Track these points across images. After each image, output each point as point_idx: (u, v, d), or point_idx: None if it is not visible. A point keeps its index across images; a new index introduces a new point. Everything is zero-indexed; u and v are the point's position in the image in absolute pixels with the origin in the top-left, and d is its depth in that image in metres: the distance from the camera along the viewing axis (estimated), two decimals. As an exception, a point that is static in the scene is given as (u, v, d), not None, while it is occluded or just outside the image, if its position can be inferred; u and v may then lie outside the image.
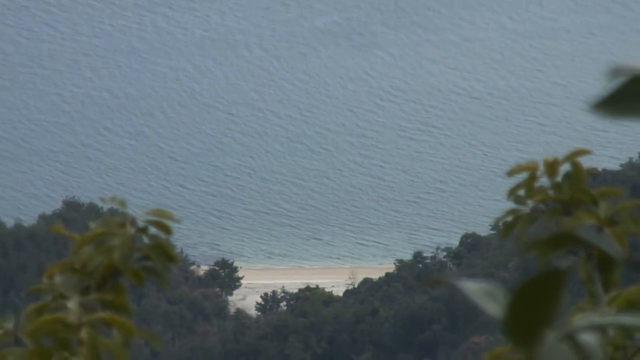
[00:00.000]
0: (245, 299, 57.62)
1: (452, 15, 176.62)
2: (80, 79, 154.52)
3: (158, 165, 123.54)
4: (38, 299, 3.50)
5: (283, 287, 54.07)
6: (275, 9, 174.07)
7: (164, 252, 3.68)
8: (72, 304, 3.57)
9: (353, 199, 77.63)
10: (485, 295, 1.11)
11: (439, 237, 62.02)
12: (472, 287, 1.12)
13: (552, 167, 3.86)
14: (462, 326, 43.49)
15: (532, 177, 3.88)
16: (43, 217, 72.21)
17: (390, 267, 54.45)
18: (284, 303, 55.15)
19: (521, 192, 3.88)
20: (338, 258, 59.59)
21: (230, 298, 57.98)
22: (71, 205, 77.00)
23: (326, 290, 52.36)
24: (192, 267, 57.10)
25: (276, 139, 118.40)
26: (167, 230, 3.67)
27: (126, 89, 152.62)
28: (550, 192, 3.91)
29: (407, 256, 54.66)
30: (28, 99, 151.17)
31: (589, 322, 1.14)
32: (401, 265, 51.88)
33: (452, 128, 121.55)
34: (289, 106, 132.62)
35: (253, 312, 55.85)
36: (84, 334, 3.54)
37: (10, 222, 64.50)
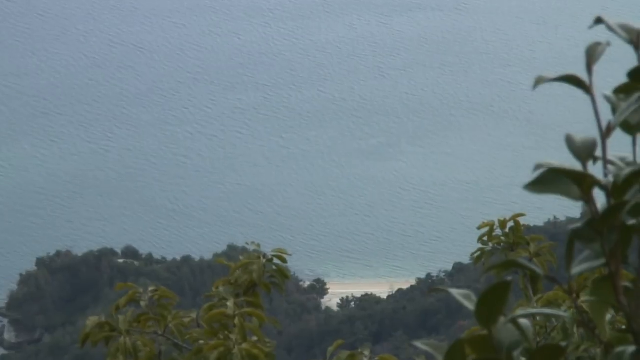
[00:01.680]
0: (331, 300, 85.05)
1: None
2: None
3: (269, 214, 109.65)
4: (208, 301, 6.54)
5: (352, 294, 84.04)
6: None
7: (282, 273, 6.49)
8: (230, 303, 6.19)
9: (389, 237, 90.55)
10: (465, 297, 2.08)
11: (441, 262, 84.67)
12: (458, 293, 1.96)
13: (503, 223, 6.98)
14: (454, 316, 66.42)
15: (491, 230, 6.91)
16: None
17: (413, 282, 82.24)
18: (353, 303, 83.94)
19: (485, 238, 6.94)
20: (381, 277, 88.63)
21: (322, 300, 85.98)
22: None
23: (377, 295, 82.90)
24: (300, 282, 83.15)
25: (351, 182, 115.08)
26: (283, 260, 6.44)
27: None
28: (502, 238, 6.96)
29: (423, 275, 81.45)
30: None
31: (524, 312, 1.98)
32: (419, 281, 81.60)
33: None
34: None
35: (335, 308, 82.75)
36: (236, 320, 6.15)
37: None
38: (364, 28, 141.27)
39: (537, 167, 1.91)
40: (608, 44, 2.05)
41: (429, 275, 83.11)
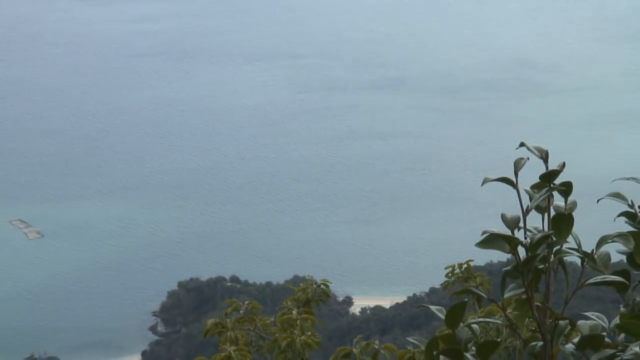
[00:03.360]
0: (355, 309, 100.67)
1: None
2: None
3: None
4: (281, 310, 11.12)
5: (368, 305, 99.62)
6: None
7: (326, 294, 11.52)
8: (294, 311, 10.89)
9: (390, 273, 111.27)
10: (439, 310, 3.30)
11: (422, 287, 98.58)
12: (434, 308, 3.36)
13: (460, 265, 12.31)
14: (430, 320, 69.84)
15: (453, 269, 12.35)
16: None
17: (405, 298, 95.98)
18: (368, 310, 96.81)
19: (450, 274, 12.26)
20: (386, 295, 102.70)
21: (349, 309, 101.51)
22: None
23: (383, 306, 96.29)
24: (337, 297, 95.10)
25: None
26: (326, 285, 11.61)
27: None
28: (460, 274, 12.20)
29: (411, 294, 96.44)
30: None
31: (474, 320, 3.44)
32: (409, 298, 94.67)
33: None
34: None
35: (358, 314, 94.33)
36: (298, 322, 10.62)
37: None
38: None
39: (483, 232, 3.31)
40: (527, 158, 3.47)
41: (414, 295, 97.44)
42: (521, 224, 3.50)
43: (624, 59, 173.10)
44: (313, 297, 11.29)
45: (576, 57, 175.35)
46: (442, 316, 3.53)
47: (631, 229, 3.56)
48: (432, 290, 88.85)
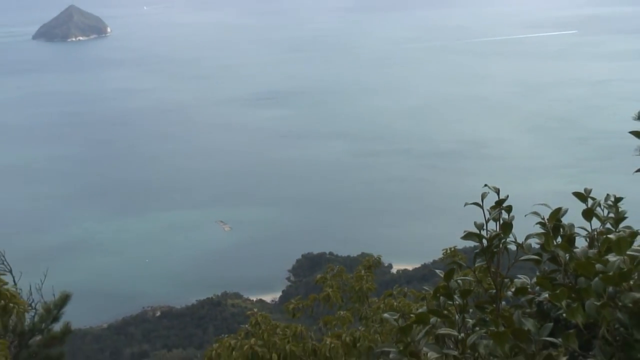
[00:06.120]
0: (394, 270, 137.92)
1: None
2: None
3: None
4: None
5: (400, 269, 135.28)
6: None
7: (378, 262, 21.06)
8: (363, 272, 20.39)
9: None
10: (440, 272, 11.99)
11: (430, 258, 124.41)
12: (438, 271, 8.32)
13: (450, 249, 21.12)
14: (435, 277, 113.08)
15: (447, 251, 21.15)
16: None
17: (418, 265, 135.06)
18: (400, 272, 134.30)
19: (445, 253, 21.53)
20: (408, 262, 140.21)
21: (391, 270, 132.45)
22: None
23: (409, 269, 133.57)
24: (384, 264, 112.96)
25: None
26: (379, 258, 21.21)
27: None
28: (449, 254, 21.05)
29: (428, 261, 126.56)
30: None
31: (458, 278, 6.29)
32: (425, 265, 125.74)
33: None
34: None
35: (395, 273, 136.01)
36: (364, 277, 19.45)
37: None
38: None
39: (464, 231, 6.12)
40: (488, 192, 6.47)
41: (425, 263, 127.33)
42: (484, 227, 6.51)
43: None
44: (372, 264, 19.24)
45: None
46: (442, 275, 6.56)
47: (542, 230, 6.52)
48: (435, 261, 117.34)
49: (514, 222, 6.52)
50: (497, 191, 6.65)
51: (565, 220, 6.54)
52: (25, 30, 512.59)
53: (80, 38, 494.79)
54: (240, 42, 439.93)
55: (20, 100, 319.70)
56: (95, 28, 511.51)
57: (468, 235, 6.54)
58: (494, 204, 6.54)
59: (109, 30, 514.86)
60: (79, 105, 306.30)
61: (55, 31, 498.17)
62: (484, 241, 6.53)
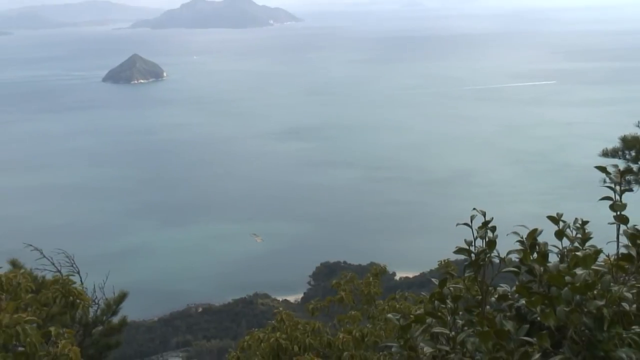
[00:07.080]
0: (397, 277, 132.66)
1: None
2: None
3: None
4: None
5: (401, 276, 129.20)
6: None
7: (384, 270, 19.40)
8: (371, 279, 18.11)
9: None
10: (436, 280, 6.74)
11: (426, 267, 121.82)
12: (433, 279, 7.57)
13: (444, 261, 18.57)
14: (431, 284, 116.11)
15: (441, 262, 18.64)
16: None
17: (417, 273, 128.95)
18: (402, 279, 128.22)
19: (439, 264, 18.85)
20: (408, 270, 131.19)
21: (394, 277, 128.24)
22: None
23: (410, 276, 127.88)
24: (389, 272, 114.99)
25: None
26: (385, 267, 19.42)
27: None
28: (443, 265, 18.48)
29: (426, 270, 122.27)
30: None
31: (450, 285, 6.33)
32: (423, 274, 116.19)
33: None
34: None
35: (398, 279, 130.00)
36: (372, 282, 18.13)
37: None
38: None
39: (456, 246, 6.19)
40: (476, 215, 6.28)
41: (423, 272, 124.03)
42: (473, 244, 6.48)
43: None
44: (378, 272, 18.59)
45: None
46: (437, 283, 6.54)
47: (521, 247, 6.49)
48: (431, 271, 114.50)
49: (497, 240, 6.52)
50: (484, 214, 6.63)
51: (540, 239, 6.51)
52: (96, 74, 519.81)
53: (141, 81, 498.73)
54: (271, 86, 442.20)
55: (91, 131, 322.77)
56: (154, 73, 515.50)
57: (459, 250, 6.52)
58: (481, 224, 6.53)
59: (165, 74, 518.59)
60: (139, 135, 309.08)
61: (121, 75, 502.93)
62: (472, 255, 6.50)
